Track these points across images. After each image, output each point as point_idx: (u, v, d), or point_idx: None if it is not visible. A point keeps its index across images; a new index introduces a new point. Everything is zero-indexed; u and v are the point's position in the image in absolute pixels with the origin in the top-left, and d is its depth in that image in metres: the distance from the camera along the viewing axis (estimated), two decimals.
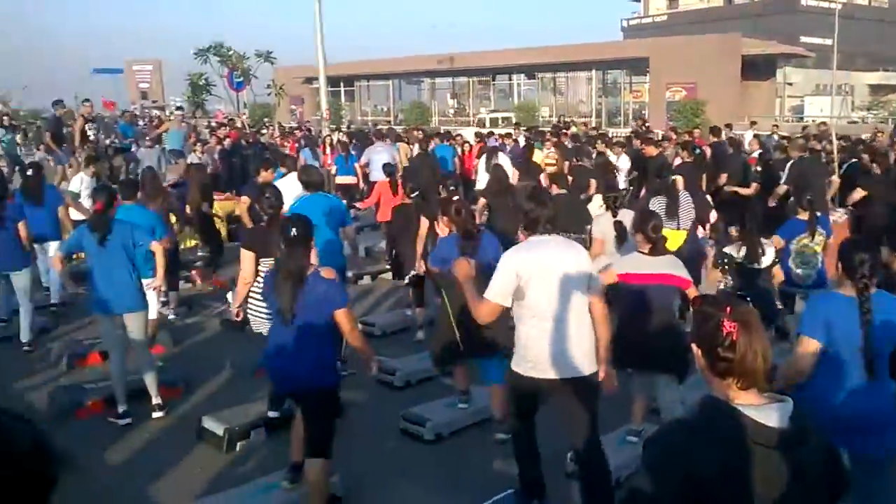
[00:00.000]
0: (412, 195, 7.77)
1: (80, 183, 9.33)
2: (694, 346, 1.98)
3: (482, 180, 11.15)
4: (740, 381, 1.87)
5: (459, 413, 5.49)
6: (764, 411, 1.81)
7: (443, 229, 5.44)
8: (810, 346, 3.30)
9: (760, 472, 1.75)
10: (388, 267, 9.74)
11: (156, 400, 5.65)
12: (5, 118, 14.77)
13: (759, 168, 11.48)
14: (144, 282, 5.77)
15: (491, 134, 18.30)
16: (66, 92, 16.26)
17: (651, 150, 11.58)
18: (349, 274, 9.71)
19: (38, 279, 8.01)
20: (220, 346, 7.21)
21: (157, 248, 5.80)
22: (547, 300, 3.75)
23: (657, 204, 7.13)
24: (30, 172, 8.27)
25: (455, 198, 5.53)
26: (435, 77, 43.03)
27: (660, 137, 16.24)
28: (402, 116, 40.11)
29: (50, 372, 6.61)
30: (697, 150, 10.99)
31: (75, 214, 8.73)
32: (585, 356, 3.83)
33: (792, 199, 8.31)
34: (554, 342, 3.76)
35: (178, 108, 19.23)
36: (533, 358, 3.81)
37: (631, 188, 12.29)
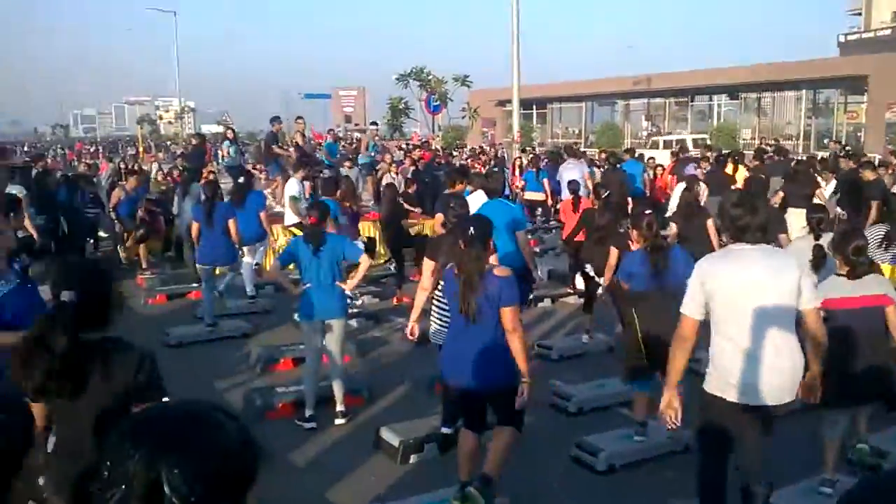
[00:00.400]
0: (603, 196, 7.97)
1: (296, 187, 10.27)
2: None
3: (675, 205, 10.70)
4: None
5: (635, 445, 5.27)
6: None
7: (634, 243, 5.42)
8: None
9: None
10: (569, 290, 9.64)
11: (340, 407, 5.92)
12: (229, 132, 16.27)
13: None
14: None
15: (688, 159, 16.69)
16: (279, 113, 17.65)
17: (868, 175, 10.64)
18: (530, 296, 9.73)
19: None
20: (402, 360, 7.45)
21: (364, 260, 6.10)
22: (741, 315, 3.47)
23: (875, 232, 6.62)
24: (241, 180, 9.33)
25: (647, 211, 5.40)
26: (629, 98, 42.21)
27: (876, 162, 14.81)
28: (594, 138, 39.67)
29: (246, 374, 7.14)
30: None
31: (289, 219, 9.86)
32: (783, 386, 3.52)
33: None
34: (748, 364, 3.47)
35: (373, 124, 20.29)
36: (737, 381, 3.50)
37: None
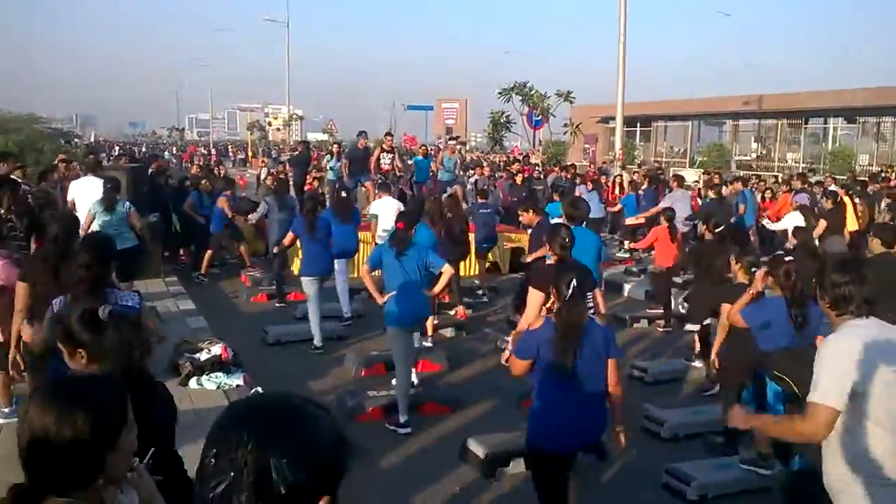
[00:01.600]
0: (716, 230, 7.54)
1: (378, 207, 10.23)
2: None
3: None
4: None
5: (729, 476, 5.08)
6: None
7: (756, 286, 4.96)
8: None
9: None
10: (661, 311, 9.42)
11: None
12: (335, 147, 16.72)
13: None
14: None
15: (803, 188, 15.53)
16: (383, 123, 17.97)
17: None
18: (626, 316, 9.56)
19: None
20: (492, 372, 7.43)
21: (447, 270, 6.18)
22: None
23: None
24: (343, 194, 9.44)
25: (788, 258, 5.02)
26: (739, 119, 40.87)
27: None
28: (700, 159, 38.60)
29: (339, 376, 7.30)
30: None
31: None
32: None
33: None
34: None
35: (452, 139, 20.41)
36: (886, 476, 2.82)
37: None
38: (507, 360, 5.05)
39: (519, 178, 16.62)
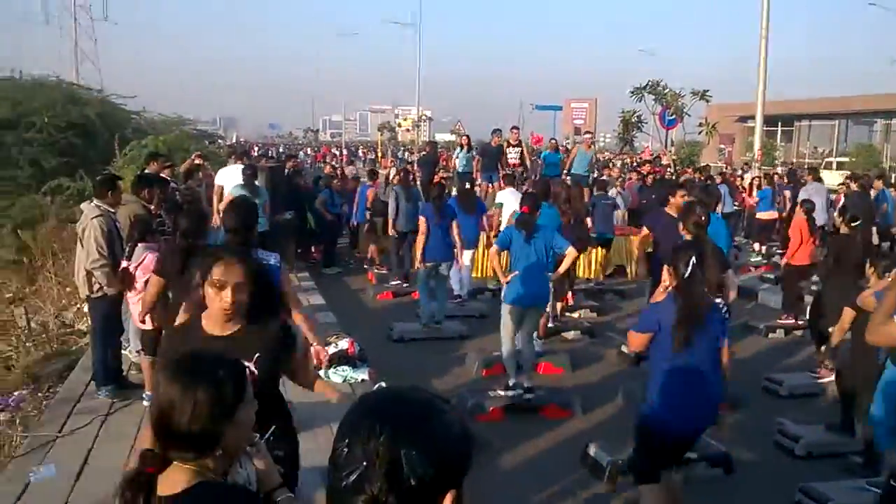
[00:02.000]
0: (853, 224, 7.16)
1: (503, 196, 10.38)
2: None
3: None
4: None
5: (870, 499, 4.74)
6: None
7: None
8: None
9: None
10: (800, 323, 8.91)
11: (528, 384, 6.31)
12: (464, 138, 16.85)
13: None
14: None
15: None
16: (510, 123, 17.89)
17: None
18: (759, 326, 9.11)
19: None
20: (615, 377, 7.30)
21: (571, 252, 6.23)
22: None
23: None
24: (467, 185, 9.68)
25: None
26: (892, 118, 38.07)
27: None
28: (846, 159, 36.24)
29: (461, 375, 7.36)
30: None
31: None
32: None
33: None
34: None
35: (587, 132, 19.97)
36: None
37: None
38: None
39: (650, 180, 16.18)
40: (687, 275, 3.69)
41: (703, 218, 5.31)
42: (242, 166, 9.46)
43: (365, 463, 1.11)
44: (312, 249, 13.17)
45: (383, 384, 5.81)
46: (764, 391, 7.03)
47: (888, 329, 3.07)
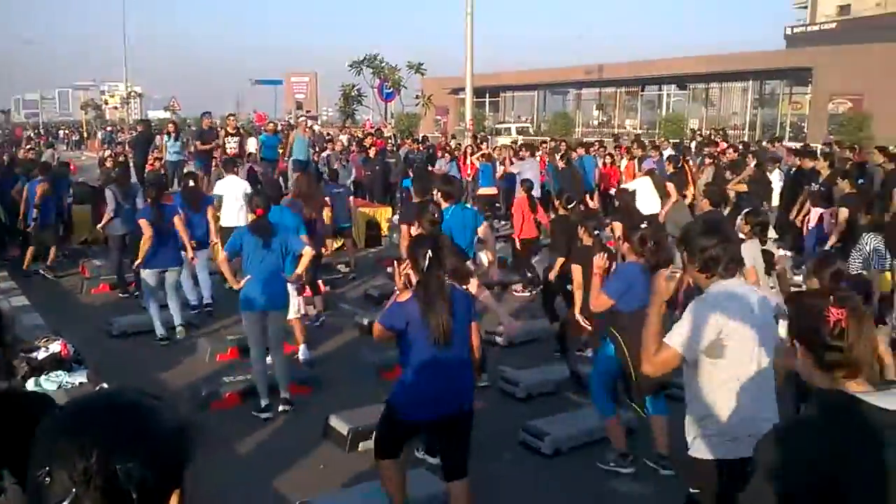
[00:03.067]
0: (568, 206, 7.97)
1: (223, 187, 9.78)
2: (796, 343, 1.88)
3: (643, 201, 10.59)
4: (849, 371, 1.78)
5: (580, 429, 5.36)
6: (882, 397, 1.72)
7: (627, 256, 5.13)
8: None
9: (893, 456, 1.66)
10: (516, 278, 9.75)
11: (284, 394, 5.91)
12: (171, 126, 15.94)
13: None
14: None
15: (646, 154, 15.45)
16: (230, 99, 17.29)
17: (807, 163, 11.11)
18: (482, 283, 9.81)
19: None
20: (351, 347, 7.44)
21: (307, 252, 6.07)
22: (751, 359, 3.04)
23: (874, 242, 6.54)
24: (191, 183, 8.91)
25: (643, 225, 5.31)
26: (581, 87, 42.58)
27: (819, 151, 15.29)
28: (546, 127, 39.97)
29: (194, 365, 7.03)
30: (861, 180, 10.19)
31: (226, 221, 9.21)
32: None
33: None
34: (756, 410, 3.01)
35: (304, 116, 20.05)
36: (734, 433, 3.01)
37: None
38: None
39: (372, 152, 16.56)
40: (426, 267, 3.73)
41: (436, 216, 5.50)
42: None
43: (75, 490, 0.99)
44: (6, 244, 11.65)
45: (105, 385, 5.38)
46: (487, 343, 7.59)
47: (664, 357, 3.06)
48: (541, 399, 6.14)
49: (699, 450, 3.10)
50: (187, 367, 6.94)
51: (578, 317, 5.89)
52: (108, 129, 40.71)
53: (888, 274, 6.48)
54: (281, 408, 5.85)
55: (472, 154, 16.97)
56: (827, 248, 8.36)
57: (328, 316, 8.53)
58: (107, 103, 64.52)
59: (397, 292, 3.96)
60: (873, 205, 6.94)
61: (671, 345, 3.02)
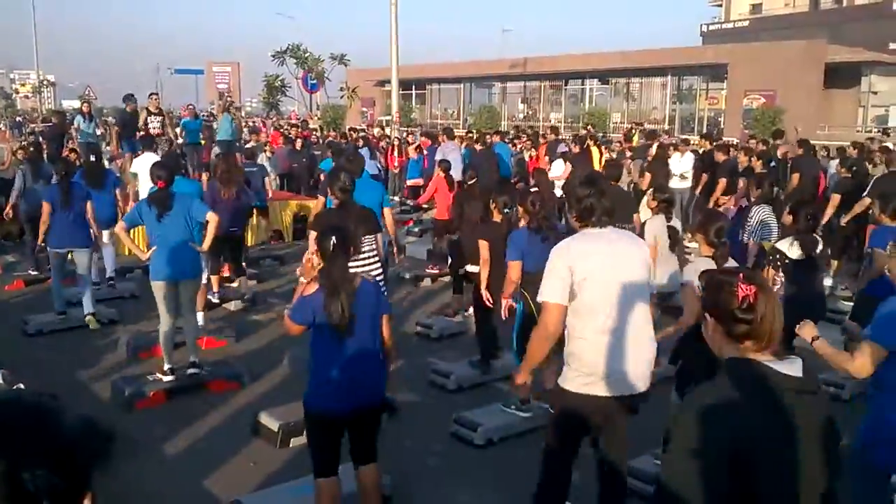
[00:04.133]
0: (471, 181, 8.46)
1: (139, 164, 9.75)
2: (707, 316, 2.02)
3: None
4: (758, 343, 1.93)
5: (511, 419, 5.44)
6: (784, 364, 1.90)
7: (522, 220, 5.50)
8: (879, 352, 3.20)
9: (800, 417, 1.87)
10: (448, 270, 9.81)
11: (192, 358, 6.14)
12: (85, 105, 15.38)
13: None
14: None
15: (557, 141, 16.46)
16: (148, 89, 16.78)
17: (721, 156, 11.77)
18: (406, 276, 9.84)
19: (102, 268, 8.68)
20: (280, 343, 7.33)
21: (212, 218, 6.07)
22: (608, 302, 3.30)
23: (764, 213, 7.03)
24: (92, 158, 8.96)
25: (533, 189, 5.64)
26: (507, 81, 42.94)
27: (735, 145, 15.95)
28: (472, 120, 40.18)
29: (115, 362, 6.81)
30: (772, 162, 10.68)
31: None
32: (647, 370, 3.44)
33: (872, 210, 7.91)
34: (616, 353, 3.31)
35: (225, 101, 19.79)
36: (590, 371, 3.33)
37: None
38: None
39: (298, 144, 16.35)
40: (331, 255, 3.66)
41: (347, 183, 5.62)
42: None
43: None
44: None
45: (21, 386, 5.18)
46: (417, 336, 7.62)
47: (552, 315, 3.39)
48: (472, 390, 6.20)
49: (563, 380, 3.48)
50: (108, 366, 6.71)
51: (484, 292, 6.01)
52: (17, 118, 38.90)
53: (766, 244, 6.88)
54: (189, 371, 6.05)
55: (398, 146, 16.96)
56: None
57: (255, 312, 8.41)
58: (17, 92, 61.71)
59: (303, 282, 3.88)
60: (762, 183, 7.41)
61: (549, 300, 3.35)
